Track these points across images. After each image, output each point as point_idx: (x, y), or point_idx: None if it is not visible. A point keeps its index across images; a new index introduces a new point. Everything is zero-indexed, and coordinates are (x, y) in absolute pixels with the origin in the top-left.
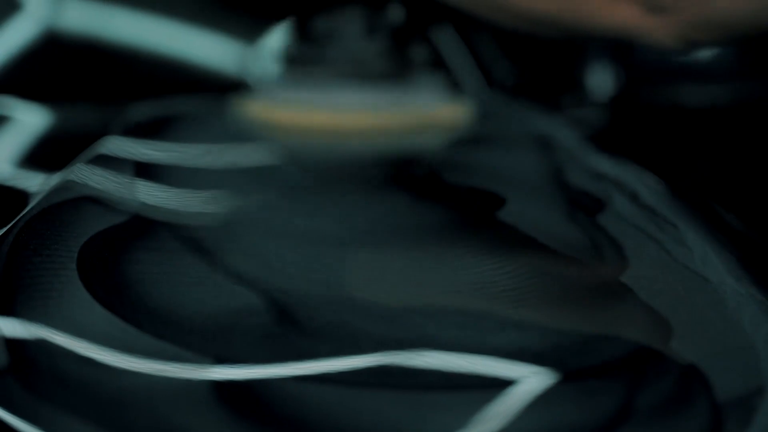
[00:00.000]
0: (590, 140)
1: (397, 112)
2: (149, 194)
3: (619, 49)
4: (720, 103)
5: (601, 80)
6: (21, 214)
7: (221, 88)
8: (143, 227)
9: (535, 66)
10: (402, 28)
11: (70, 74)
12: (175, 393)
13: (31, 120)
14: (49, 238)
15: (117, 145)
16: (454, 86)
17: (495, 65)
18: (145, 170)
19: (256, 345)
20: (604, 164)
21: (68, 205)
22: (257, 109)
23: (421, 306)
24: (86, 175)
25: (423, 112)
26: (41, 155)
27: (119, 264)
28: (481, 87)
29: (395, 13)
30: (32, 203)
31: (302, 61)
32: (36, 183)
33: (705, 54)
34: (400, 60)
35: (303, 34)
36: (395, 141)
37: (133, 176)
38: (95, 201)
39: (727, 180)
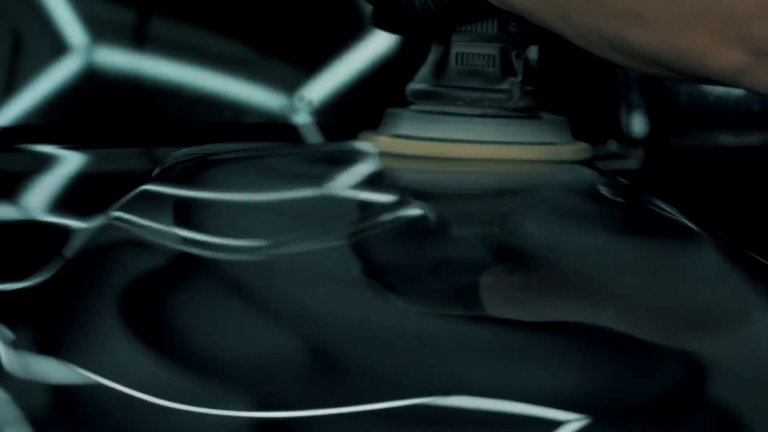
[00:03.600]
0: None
1: (523, 147)
2: (190, 236)
3: (653, 93)
4: (752, 144)
5: (636, 123)
6: (62, 256)
7: (263, 133)
8: (184, 269)
9: (579, 111)
10: (536, 68)
11: (111, 117)
12: None
13: (72, 162)
14: (91, 281)
15: (158, 187)
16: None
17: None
18: (186, 212)
19: (296, 387)
20: None
21: (110, 247)
22: (386, 142)
23: (459, 349)
24: (127, 217)
25: (547, 149)
26: (82, 196)
27: (161, 306)
28: None
29: (533, 53)
30: (73, 245)
31: (435, 95)
32: (77, 224)
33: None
34: (531, 99)
35: (439, 68)
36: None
37: (174, 218)
38: (136, 243)
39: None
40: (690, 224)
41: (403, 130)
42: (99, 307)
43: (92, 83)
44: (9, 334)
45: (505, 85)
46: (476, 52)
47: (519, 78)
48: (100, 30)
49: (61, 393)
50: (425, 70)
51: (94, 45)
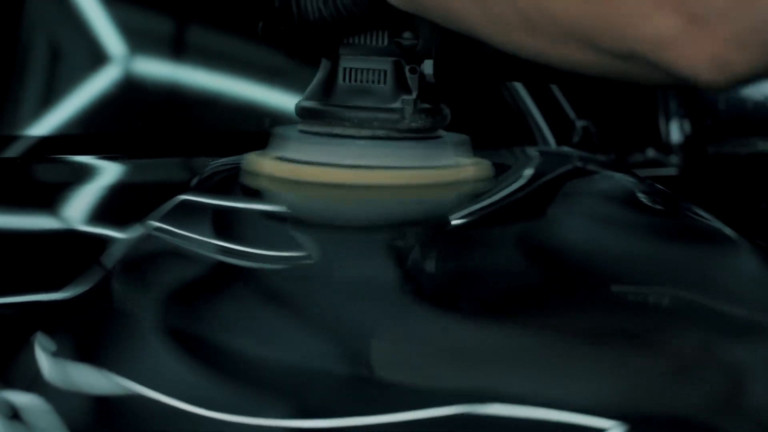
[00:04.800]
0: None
1: (421, 170)
2: (228, 246)
3: (691, 101)
4: None
5: (674, 130)
6: (102, 266)
7: None
8: (223, 279)
9: (615, 120)
10: (433, 84)
11: (150, 126)
12: None
13: (111, 172)
14: (131, 291)
15: (196, 197)
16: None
17: (576, 123)
18: (224, 222)
19: (335, 396)
20: None
21: (149, 257)
22: (273, 166)
23: (493, 358)
24: (166, 227)
25: (446, 171)
26: (121, 206)
27: (199, 315)
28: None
29: (428, 68)
30: (112, 255)
31: (322, 114)
32: (116, 234)
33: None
34: (427, 118)
35: (327, 85)
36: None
37: (212, 228)
38: (175, 253)
39: None
40: (727, 231)
41: (289, 152)
42: (138, 317)
43: (131, 93)
44: (50, 344)
45: (396, 104)
46: (366, 67)
47: (413, 95)
48: (138, 40)
49: (102, 403)
50: (314, 87)
51: (132, 55)
